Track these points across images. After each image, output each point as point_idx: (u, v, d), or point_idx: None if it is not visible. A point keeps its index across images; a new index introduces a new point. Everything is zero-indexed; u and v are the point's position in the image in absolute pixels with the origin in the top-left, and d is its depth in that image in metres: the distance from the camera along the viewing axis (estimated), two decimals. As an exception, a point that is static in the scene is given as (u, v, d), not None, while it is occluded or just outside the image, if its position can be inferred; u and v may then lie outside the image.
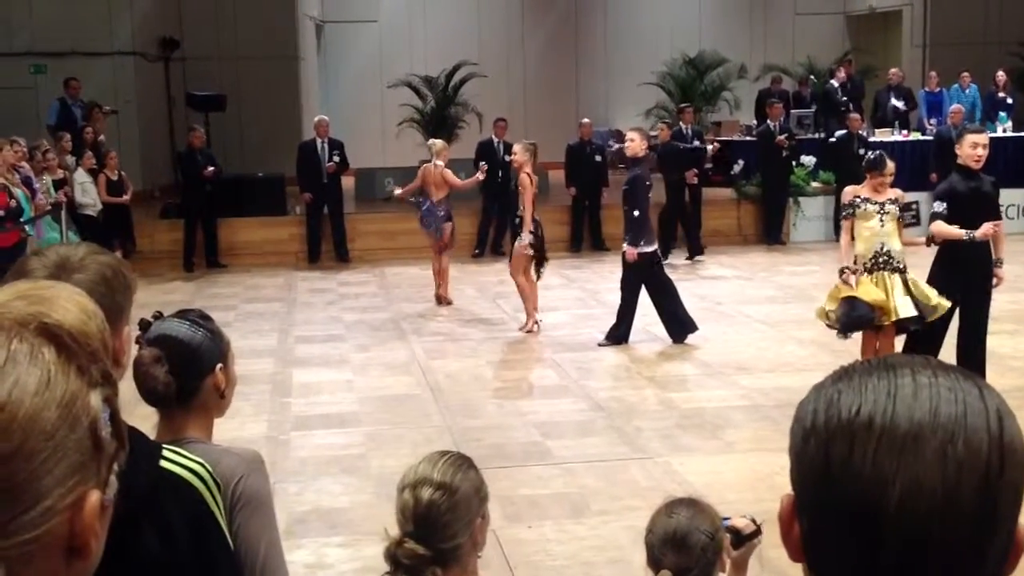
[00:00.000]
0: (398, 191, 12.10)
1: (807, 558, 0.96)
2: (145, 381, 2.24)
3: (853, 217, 7.45)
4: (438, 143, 12.08)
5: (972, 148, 7.12)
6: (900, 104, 18.08)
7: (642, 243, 9.46)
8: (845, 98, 18.16)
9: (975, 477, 0.88)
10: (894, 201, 7.36)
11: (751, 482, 6.17)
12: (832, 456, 0.91)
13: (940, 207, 7.15)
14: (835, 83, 18.62)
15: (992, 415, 0.91)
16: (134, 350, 2.21)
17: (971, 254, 7.17)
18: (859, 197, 7.39)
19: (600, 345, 9.65)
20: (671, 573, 2.38)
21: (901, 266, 7.32)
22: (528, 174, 10.08)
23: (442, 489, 2.18)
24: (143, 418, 2.01)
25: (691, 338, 9.70)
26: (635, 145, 9.60)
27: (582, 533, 5.58)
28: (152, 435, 2.25)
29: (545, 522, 5.72)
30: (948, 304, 7.17)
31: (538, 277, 10.25)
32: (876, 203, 7.32)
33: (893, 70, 18.82)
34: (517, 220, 10.17)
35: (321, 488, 6.30)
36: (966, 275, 7.29)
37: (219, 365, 2.32)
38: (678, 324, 9.63)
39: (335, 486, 6.36)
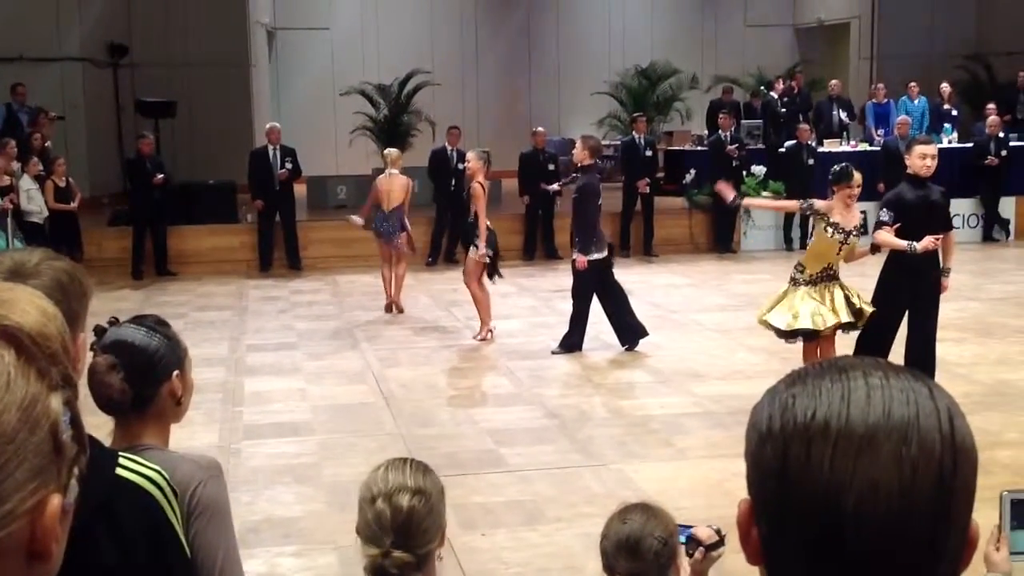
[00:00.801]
0: (357, 219, 11.99)
1: (766, 562, 0.97)
2: (100, 389, 2.21)
3: (810, 217, 7.57)
4: (393, 152, 12.05)
5: (921, 159, 7.23)
6: (844, 115, 18.34)
7: (592, 250, 9.51)
8: (784, 110, 18.40)
9: (930, 477, 0.90)
10: (857, 229, 7.36)
11: (704, 488, 6.21)
12: (789, 460, 0.93)
13: (886, 216, 7.26)
14: (774, 95, 18.85)
15: (944, 415, 0.92)
16: (89, 357, 2.19)
17: (919, 263, 7.28)
18: (829, 218, 7.30)
19: (553, 353, 9.67)
20: None
21: (836, 274, 7.47)
22: (480, 183, 10.09)
23: (419, 495, 2.18)
24: (96, 427, 1.99)
25: (643, 346, 9.76)
26: (580, 153, 9.65)
27: (536, 540, 5.59)
28: (108, 443, 2.23)
29: (499, 530, 5.72)
30: (871, 310, 7.33)
31: (493, 279, 10.29)
32: (843, 232, 7.27)
33: (833, 81, 19.09)
34: (475, 231, 10.17)
35: (273, 497, 6.25)
36: (914, 283, 7.41)
37: (176, 372, 2.30)
38: (627, 330, 9.69)
39: (287, 495, 6.32)
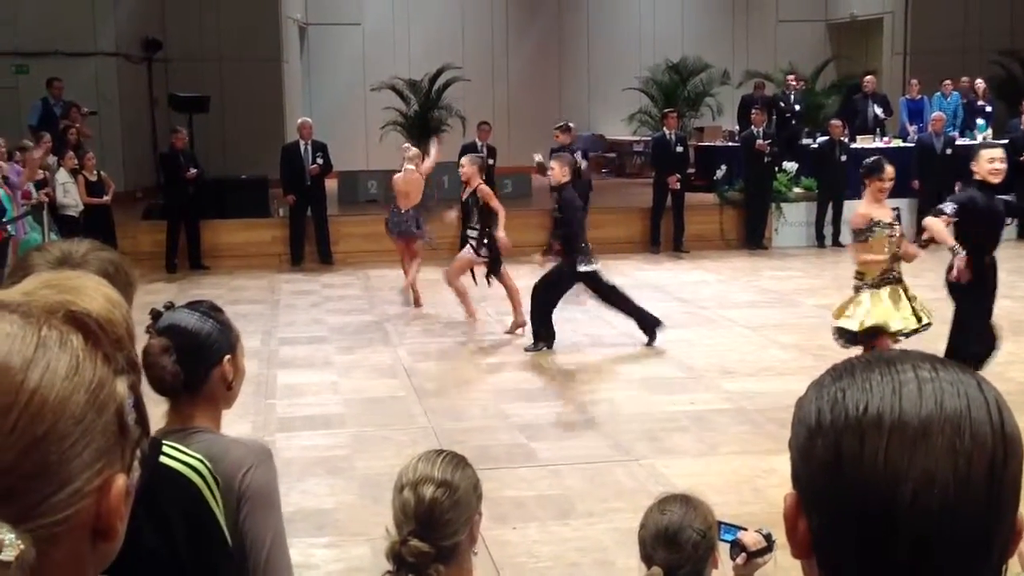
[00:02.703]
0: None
1: (818, 555, 0.98)
2: (152, 371, 2.26)
3: (866, 243, 7.23)
4: (412, 150, 11.98)
5: (989, 163, 7.14)
6: (879, 111, 18.20)
7: (582, 262, 9.45)
8: (797, 107, 18.26)
9: (982, 469, 0.91)
10: (898, 219, 7.28)
11: (734, 485, 6.20)
12: (842, 454, 0.93)
13: (949, 208, 7.13)
14: (786, 90, 18.73)
15: (992, 407, 0.93)
16: (144, 339, 2.24)
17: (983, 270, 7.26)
18: (873, 220, 7.16)
19: (527, 350, 9.63)
20: (661, 570, 2.39)
21: (900, 276, 7.29)
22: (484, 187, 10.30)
23: (444, 486, 2.20)
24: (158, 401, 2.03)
25: (674, 342, 9.75)
26: (557, 172, 9.61)
27: (567, 534, 5.61)
28: (162, 424, 2.28)
29: (530, 523, 5.74)
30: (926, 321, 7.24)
31: (489, 283, 10.48)
32: (887, 224, 7.16)
33: (868, 77, 18.91)
34: (478, 233, 10.27)
35: (307, 489, 6.30)
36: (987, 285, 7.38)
37: (227, 356, 2.34)
38: (648, 323, 9.64)
39: (320, 487, 6.37)
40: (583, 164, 13.99)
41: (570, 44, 23.97)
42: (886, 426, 0.92)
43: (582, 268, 9.49)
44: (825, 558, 0.97)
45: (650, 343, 9.70)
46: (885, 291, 7.22)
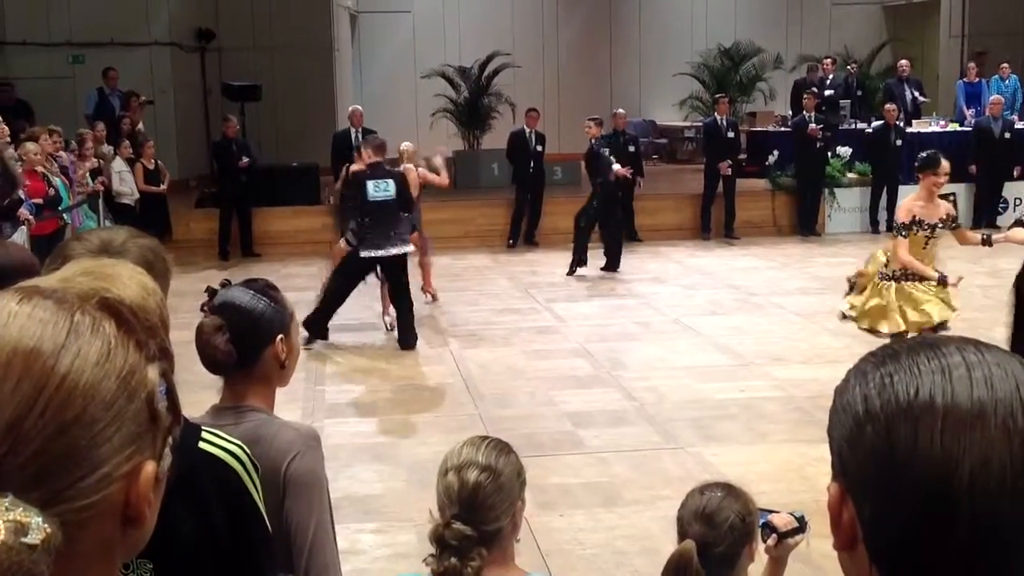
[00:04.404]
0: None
1: (870, 545, 0.96)
2: (205, 349, 2.28)
3: (907, 238, 7.02)
4: (410, 147, 11.20)
5: None
6: (916, 95, 17.86)
7: (366, 247, 9.39)
8: (827, 92, 17.95)
9: None
10: (945, 221, 6.96)
11: (784, 473, 6.16)
12: (895, 440, 0.92)
13: None
14: (825, 77, 18.43)
15: None
16: (196, 317, 2.27)
17: None
18: (915, 218, 6.94)
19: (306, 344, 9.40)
20: (694, 543, 2.37)
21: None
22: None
23: (487, 471, 2.20)
24: (191, 405, 2.05)
25: (724, 329, 9.69)
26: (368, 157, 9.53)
27: (614, 522, 5.60)
28: (216, 401, 2.31)
29: (577, 511, 5.75)
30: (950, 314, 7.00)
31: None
32: (928, 226, 6.92)
33: (902, 62, 18.53)
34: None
35: (354, 475, 6.35)
36: None
37: (280, 336, 2.35)
38: (313, 325, 9.47)
39: (368, 473, 6.42)
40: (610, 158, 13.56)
41: (621, 29, 23.79)
42: (939, 410, 0.91)
43: (364, 253, 9.40)
44: (880, 548, 0.95)
45: (308, 342, 9.26)
46: (892, 289, 7.02)
